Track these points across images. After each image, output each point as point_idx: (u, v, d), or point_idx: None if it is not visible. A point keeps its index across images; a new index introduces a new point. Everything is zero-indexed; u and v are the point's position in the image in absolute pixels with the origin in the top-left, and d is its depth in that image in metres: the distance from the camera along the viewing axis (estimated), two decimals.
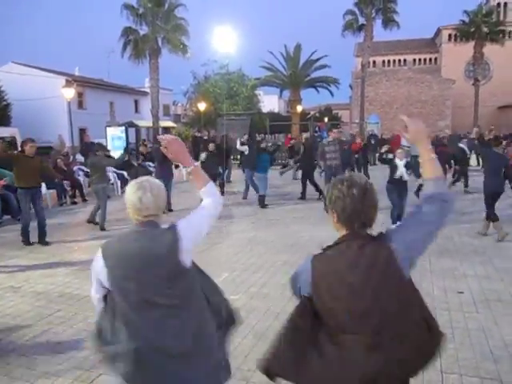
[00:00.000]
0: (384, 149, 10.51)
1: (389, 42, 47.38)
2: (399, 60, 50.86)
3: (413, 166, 8.13)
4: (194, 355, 2.06)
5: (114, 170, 13.39)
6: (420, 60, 50.55)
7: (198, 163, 2.26)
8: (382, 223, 8.43)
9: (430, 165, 1.90)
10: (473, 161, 15.99)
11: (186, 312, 2.07)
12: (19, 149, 13.34)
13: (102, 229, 8.74)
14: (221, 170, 12.89)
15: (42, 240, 7.85)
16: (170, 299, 2.05)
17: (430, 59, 50.14)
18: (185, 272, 2.10)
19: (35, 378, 3.55)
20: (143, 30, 26.44)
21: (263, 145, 12.49)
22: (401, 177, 8.17)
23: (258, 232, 8.46)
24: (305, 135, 10.75)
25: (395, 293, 1.77)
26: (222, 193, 12.69)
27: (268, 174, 11.42)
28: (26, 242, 7.80)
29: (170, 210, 10.21)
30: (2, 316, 4.81)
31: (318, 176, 12.84)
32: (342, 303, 1.79)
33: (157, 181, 2.17)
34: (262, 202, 10.96)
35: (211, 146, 11.70)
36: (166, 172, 10.51)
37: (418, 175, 7.52)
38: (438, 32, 49.10)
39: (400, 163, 8.25)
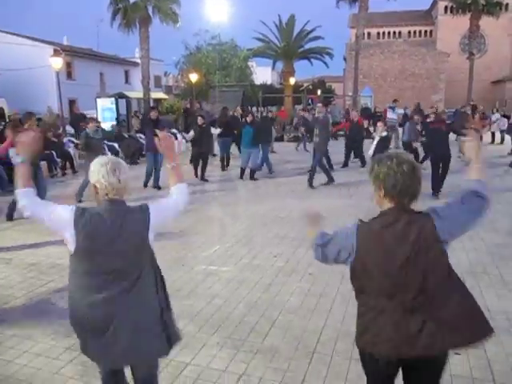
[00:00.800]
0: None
1: (384, 13, 46.65)
2: (394, 32, 50.21)
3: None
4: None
5: (105, 141, 13.26)
6: (415, 32, 49.93)
7: (178, 162, 2.50)
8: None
9: (478, 171, 2.16)
10: None
11: (141, 285, 2.27)
12: (6, 120, 13.22)
13: (79, 201, 8.47)
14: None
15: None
16: (132, 271, 2.24)
17: (426, 32, 49.54)
18: (147, 248, 2.31)
19: (29, 347, 3.60)
20: None
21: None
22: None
23: (250, 205, 8.48)
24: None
25: (436, 266, 1.99)
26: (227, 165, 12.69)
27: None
28: (10, 217, 7.51)
29: (158, 188, 9.96)
30: None
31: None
32: (384, 270, 1.98)
33: (118, 159, 2.35)
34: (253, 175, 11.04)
35: (200, 120, 11.24)
36: (155, 145, 10.33)
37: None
38: (435, 4, 48.39)
39: (376, 138, 8.37)
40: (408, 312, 1.97)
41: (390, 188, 2.01)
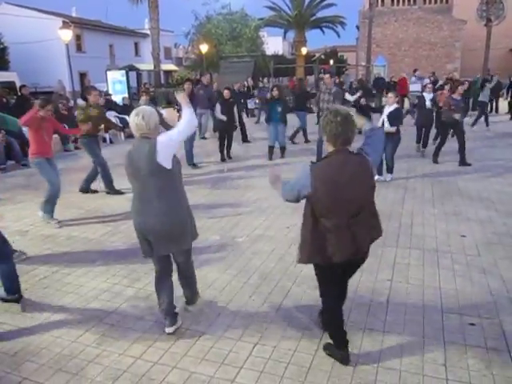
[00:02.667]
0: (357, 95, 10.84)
1: None
2: None
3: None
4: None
5: (117, 114, 13.23)
6: None
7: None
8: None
9: (360, 120, 2.96)
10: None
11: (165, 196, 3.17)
12: (18, 93, 13.16)
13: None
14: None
15: (111, 187, 7.54)
16: (154, 186, 3.12)
17: None
18: (164, 171, 3.09)
19: (47, 316, 3.67)
20: None
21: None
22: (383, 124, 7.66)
23: (264, 178, 8.44)
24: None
25: (368, 191, 2.79)
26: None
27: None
28: (88, 189, 7.58)
29: (194, 165, 9.37)
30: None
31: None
32: (333, 196, 2.65)
33: (148, 108, 3.27)
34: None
35: (226, 94, 10.20)
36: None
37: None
38: None
39: (386, 110, 7.87)
40: (352, 226, 2.71)
41: (329, 134, 2.69)
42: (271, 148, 10.11)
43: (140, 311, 3.72)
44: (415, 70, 16.71)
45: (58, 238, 5.50)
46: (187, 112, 3.26)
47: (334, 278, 2.94)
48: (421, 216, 5.98)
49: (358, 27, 45.96)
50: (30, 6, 29.92)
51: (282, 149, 10.24)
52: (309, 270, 4.38)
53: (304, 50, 34.00)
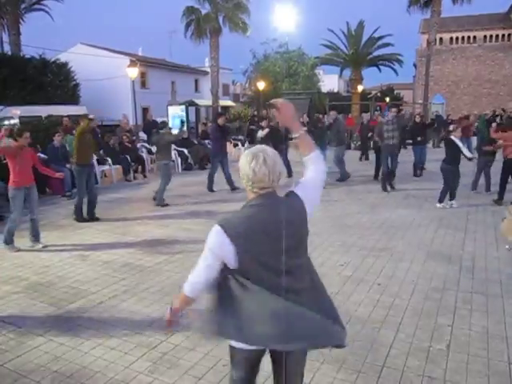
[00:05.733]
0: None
1: (458, 17, 44.48)
2: (468, 37, 47.71)
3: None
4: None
5: (175, 147, 13.71)
6: (491, 37, 47.12)
7: (305, 129, 2.24)
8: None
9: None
10: None
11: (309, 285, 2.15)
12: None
13: (159, 204, 9.01)
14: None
15: (92, 215, 8.01)
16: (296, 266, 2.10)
17: (503, 36, 46.60)
18: (306, 235, 2.20)
19: (103, 340, 3.76)
20: (205, 8, 26.56)
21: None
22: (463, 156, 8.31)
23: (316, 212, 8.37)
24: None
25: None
26: None
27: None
28: (80, 218, 7.92)
29: (235, 188, 10.18)
30: (74, 281, 5.12)
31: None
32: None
33: (271, 149, 2.08)
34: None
35: (265, 123, 11.32)
36: (222, 149, 10.55)
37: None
38: None
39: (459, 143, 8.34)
40: None
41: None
42: None
43: (191, 342, 3.73)
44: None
45: (115, 265, 5.68)
46: (315, 149, 2.26)
47: None
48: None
49: (415, 65, 45.66)
50: (101, 46, 32.15)
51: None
52: (364, 310, 4.25)
53: (360, 88, 34.05)
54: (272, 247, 1.97)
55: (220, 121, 10.62)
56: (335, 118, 12.07)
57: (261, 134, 11.52)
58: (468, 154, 8.41)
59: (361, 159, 16.17)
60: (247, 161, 2.01)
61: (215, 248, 1.99)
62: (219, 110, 27.20)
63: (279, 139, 10.51)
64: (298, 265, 2.11)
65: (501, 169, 8.87)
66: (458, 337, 3.74)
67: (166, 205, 9.01)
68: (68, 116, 13.45)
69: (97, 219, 7.98)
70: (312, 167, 2.22)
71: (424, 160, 12.54)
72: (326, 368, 3.33)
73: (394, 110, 10.94)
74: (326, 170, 2.28)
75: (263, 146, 2.11)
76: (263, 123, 11.68)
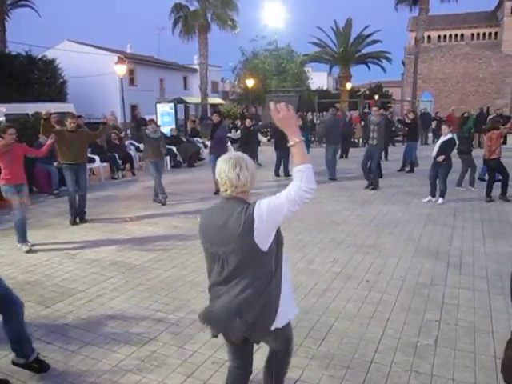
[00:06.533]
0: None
1: (445, 15, 44.89)
2: (456, 35, 48.12)
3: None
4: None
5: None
6: (479, 35, 47.58)
7: (302, 138, 2.12)
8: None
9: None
10: None
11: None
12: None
13: (163, 200, 8.94)
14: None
15: (81, 218, 7.73)
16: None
17: (490, 34, 47.08)
18: (260, 255, 2.13)
19: (90, 339, 3.73)
20: (193, 5, 26.46)
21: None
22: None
23: (301, 212, 8.40)
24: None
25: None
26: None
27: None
28: (73, 221, 7.63)
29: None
30: (62, 280, 5.08)
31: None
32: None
33: (241, 154, 2.23)
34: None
35: (248, 122, 11.12)
36: (222, 149, 10.36)
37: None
38: (500, 4, 45.96)
39: (440, 140, 8.76)
40: None
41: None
42: None
43: (180, 340, 3.72)
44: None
45: (104, 263, 5.64)
46: (307, 164, 2.08)
47: None
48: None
49: (403, 63, 45.97)
50: (88, 43, 31.84)
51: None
52: (352, 306, 4.28)
53: (349, 85, 34.19)
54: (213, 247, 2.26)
55: (214, 118, 10.05)
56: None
57: (234, 134, 11.52)
58: (433, 154, 8.70)
59: (342, 157, 15.94)
60: (230, 166, 2.13)
61: None
62: (208, 107, 27.11)
63: (253, 141, 10.56)
64: (232, 272, 2.20)
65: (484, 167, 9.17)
66: (446, 332, 3.78)
67: (164, 204, 8.95)
68: (56, 113, 13.28)
69: (85, 221, 7.72)
70: (290, 184, 2.08)
71: (415, 156, 12.65)
72: (314, 364, 3.34)
73: (375, 109, 10.90)
74: (307, 188, 2.04)
75: (239, 153, 2.25)
76: (239, 123, 11.59)
